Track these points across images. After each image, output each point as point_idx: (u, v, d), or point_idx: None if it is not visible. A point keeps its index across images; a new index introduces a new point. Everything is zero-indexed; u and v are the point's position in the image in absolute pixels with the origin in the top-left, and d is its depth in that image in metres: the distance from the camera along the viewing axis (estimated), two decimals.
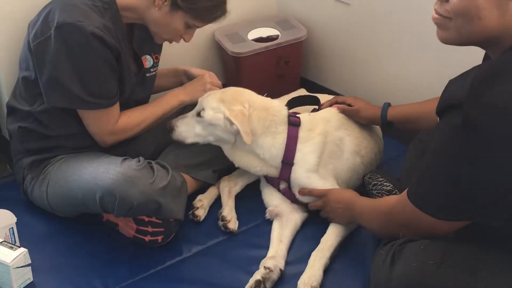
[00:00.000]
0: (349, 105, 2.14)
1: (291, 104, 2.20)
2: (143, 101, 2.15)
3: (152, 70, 2.15)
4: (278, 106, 2.04)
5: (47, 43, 1.84)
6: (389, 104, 2.11)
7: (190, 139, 2.03)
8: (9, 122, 2.08)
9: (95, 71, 1.87)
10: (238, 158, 2.03)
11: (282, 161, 1.98)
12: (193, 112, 2.02)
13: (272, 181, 2.06)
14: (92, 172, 1.88)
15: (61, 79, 1.85)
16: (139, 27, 2.07)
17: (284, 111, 2.03)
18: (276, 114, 2.00)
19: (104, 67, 1.88)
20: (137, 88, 2.08)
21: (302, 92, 2.51)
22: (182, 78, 2.29)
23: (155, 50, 2.15)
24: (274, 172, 2.01)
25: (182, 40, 2.02)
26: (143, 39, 2.08)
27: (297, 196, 2.01)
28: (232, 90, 2.04)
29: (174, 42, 2.05)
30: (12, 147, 2.10)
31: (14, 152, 2.10)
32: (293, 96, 2.31)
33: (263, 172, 2.03)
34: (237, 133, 1.93)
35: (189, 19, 1.94)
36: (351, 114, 2.12)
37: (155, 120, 2.08)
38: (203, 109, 1.97)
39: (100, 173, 1.86)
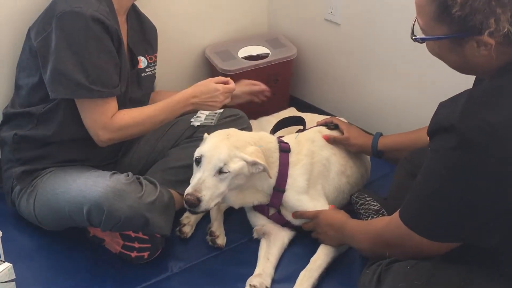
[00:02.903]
0: (340, 129, 2.14)
1: (278, 126, 2.20)
2: (140, 100, 2.12)
3: (147, 70, 2.15)
4: (268, 136, 2.03)
5: (49, 37, 1.86)
6: (380, 134, 2.12)
7: (214, 203, 1.83)
8: (3, 130, 2.07)
9: (96, 57, 1.86)
10: (239, 199, 1.96)
11: (274, 188, 1.96)
12: (209, 172, 1.80)
13: (261, 209, 2.02)
14: (80, 185, 1.88)
15: (64, 69, 1.85)
16: (131, 28, 2.08)
17: (274, 140, 2.01)
18: (268, 144, 1.97)
19: (105, 55, 1.88)
20: (132, 86, 2.08)
21: (292, 111, 2.51)
22: None
23: (149, 51, 2.16)
24: (265, 200, 1.98)
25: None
26: (136, 40, 2.09)
27: (290, 219, 2.00)
28: (233, 134, 1.92)
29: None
30: (3, 156, 2.09)
31: (4, 161, 2.08)
32: (280, 118, 2.32)
33: (256, 203, 1.99)
34: (259, 172, 1.88)
35: None
36: (341, 142, 2.12)
37: (155, 124, 2.03)
38: (224, 165, 1.80)
39: (89, 186, 1.86)
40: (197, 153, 1.86)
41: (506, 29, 1.26)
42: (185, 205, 1.82)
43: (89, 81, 1.86)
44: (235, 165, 1.82)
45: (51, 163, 2.01)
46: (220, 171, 1.81)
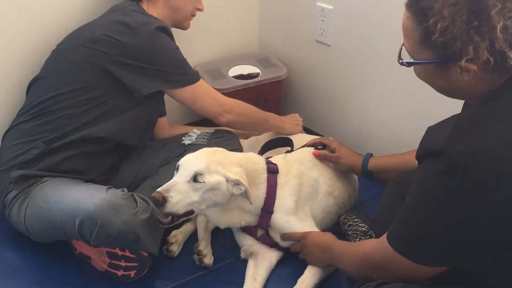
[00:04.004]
0: (329, 149, 2.15)
1: (267, 147, 2.21)
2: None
3: None
4: (256, 157, 2.02)
5: (126, 46, 2.03)
6: (371, 155, 2.13)
7: (183, 209, 1.80)
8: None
9: (178, 54, 2.14)
10: (224, 218, 1.94)
11: (262, 209, 1.96)
12: (183, 178, 1.80)
13: (250, 230, 2.01)
14: (76, 195, 1.88)
15: (155, 68, 2.08)
16: None
17: (262, 161, 2.01)
18: (256, 165, 1.97)
19: (179, 52, 2.15)
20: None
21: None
22: None
23: None
24: (253, 221, 1.97)
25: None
26: None
27: (278, 241, 1.99)
28: (220, 152, 1.92)
29: None
30: (2, 155, 2.08)
31: (3, 161, 2.07)
32: (269, 139, 2.34)
33: (244, 224, 1.97)
34: (241, 195, 1.86)
35: None
36: (331, 160, 2.13)
37: (262, 121, 2.38)
38: (201, 174, 1.79)
39: (84, 197, 1.86)
40: (179, 161, 1.86)
41: (485, 57, 1.27)
42: (151, 202, 1.85)
43: (185, 70, 2.14)
44: (211, 178, 1.80)
45: (50, 172, 2.01)
46: (195, 180, 1.79)
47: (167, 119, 2.53)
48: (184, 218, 1.96)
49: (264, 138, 2.41)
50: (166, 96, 2.26)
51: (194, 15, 2.31)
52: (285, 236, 1.96)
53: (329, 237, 1.87)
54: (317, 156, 2.11)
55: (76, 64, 2.05)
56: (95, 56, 2.03)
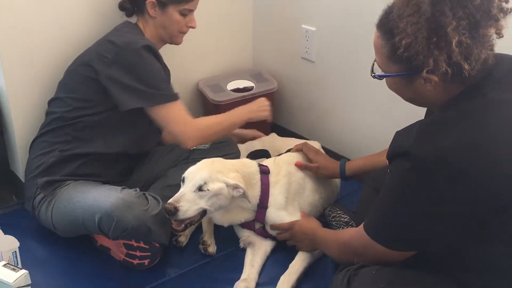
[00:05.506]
0: (309, 158, 2.13)
1: (250, 157, 2.20)
2: (160, 130, 2.19)
3: None
4: (249, 161, 2.01)
5: (113, 65, 1.94)
6: (346, 160, 2.10)
7: (193, 214, 1.80)
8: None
9: (158, 73, 1.97)
10: (227, 218, 1.94)
11: (258, 205, 1.95)
12: (190, 188, 1.80)
13: (248, 225, 1.99)
14: (95, 196, 1.87)
15: (133, 85, 1.93)
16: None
17: (255, 164, 1.99)
18: (250, 169, 1.96)
19: (162, 72, 1.99)
20: None
21: (273, 136, 2.52)
22: (234, 139, 2.32)
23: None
24: (251, 217, 1.96)
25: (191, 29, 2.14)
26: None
27: (270, 231, 1.98)
28: (218, 161, 1.91)
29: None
30: (29, 165, 2.07)
31: (29, 170, 2.07)
32: (260, 144, 2.36)
33: (243, 220, 1.96)
34: (240, 196, 1.86)
35: (179, 7, 2.03)
36: (310, 171, 2.09)
37: (230, 125, 2.11)
38: (204, 183, 1.79)
39: (102, 197, 1.85)
40: (184, 174, 1.85)
41: (444, 68, 1.26)
42: (164, 212, 1.79)
43: (160, 89, 1.95)
44: (214, 186, 1.80)
45: (72, 176, 2.00)
46: (200, 189, 1.79)
47: None
48: (195, 226, 2.01)
49: (258, 143, 2.40)
50: None
51: (184, 32, 2.13)
52: (273, 226, 1.95)
53: (313, 225, 1.87)
54: (299, 166, 2.07)
55: (79, 83, 2.02)
56: (91, 74, 1.98)
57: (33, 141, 2.11)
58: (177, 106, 1.98)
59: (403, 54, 1.29)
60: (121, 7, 2.14)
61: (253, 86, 2.69)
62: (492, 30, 1.29)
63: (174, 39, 2.13)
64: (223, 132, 2.11)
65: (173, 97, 1.97)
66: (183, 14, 2.05)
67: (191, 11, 2.07)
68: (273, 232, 1.97)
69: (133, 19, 2.13)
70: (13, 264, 1.80)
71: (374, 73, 1.43)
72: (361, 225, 1.49)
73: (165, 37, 2.11)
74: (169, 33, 2.09)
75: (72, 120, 2.02)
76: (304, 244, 1.88)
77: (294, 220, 1.93)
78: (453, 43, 1.24)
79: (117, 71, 1.93)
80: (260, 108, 2.19)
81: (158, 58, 2.00)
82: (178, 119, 1.98)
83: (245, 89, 2.67)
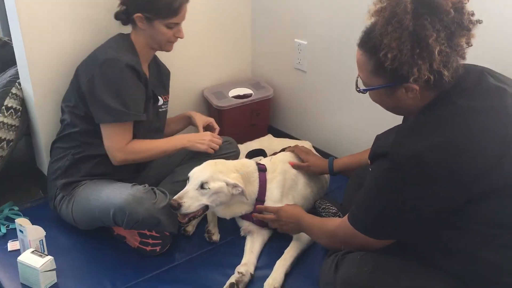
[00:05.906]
0: (301, 159, 2.12)
1: (249, 156, 2.21)
2: (160, 129, 2.16)
3: (163, 106, 2.18)
4: (248, 161, 2.02)
5: (93, 79, 1.88)
6: (333, 158, 2.09)
7: (195, 210, 1.82)
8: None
9: (129, 92, 1.90)
10: (228, 211, 1.95)
11: (256, 199, 1.96)
12: (193, 186, 1.82)
13: (248, 216, 2.00)
14: (108, 193, 1.89)
15: (104, 99, 1.87)
16: (152, 74, 2.11)
17: (253, 163, 2.00)
18: (249, 168, 1.97)
19: (136, 89, 1.92)
20: (154, 118, 2.10)
21: (270, 137, 2.51)
22: (188, 121, 2.30)
23: (164, 93, 2.18)
24: (250, 209, 1.97)
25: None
26: (155, 84, 2.12)
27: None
28: (220, 162, 1.91)
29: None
30: (50, 169, 2.08)
31: (50, 173, 2.08)
32: (257, 144, 2.35)
33: (244, 213, 1.97)
34: (239, 194, 1.88)
35: (164, 21, 1.93)
36: (302, 169, 2.09)
37: (159, 153, 2.03)
38: (206, 182, 1.82)
39: (115, 194, 1.87)
40: (189, 173, 1.88)
41: (426, 76, 1.26)
42: (168, 194, 1.84)
43: (125, 107, 1.89)
44: (215, 184, 1.82)
45: (87, 176, 2.02)
46: (202, 187, 1.82)
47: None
48: (200, 217, 2.02)
49: (257, 144, 2.39)
50: (173, 101, 2.20)
51: (173, 42, 2.01)
52: (261, 208, 1.92)
53: (298, 211, 1.83)
54: (292, 166, 2.08)
55: (75, 95, 1.99)
56: (81, 86, 1.95)
57: (52, 143, 2.12)
58: (121, 127, 1.91)
59: (389, 67, 1.28)
60: (116, 17, 2.05)
61: (251, 93, 2.70)
62: (464, 40, 1.30)
63: (164, 48, 2.04)
64: (152, 156, 2.04)
65: (125, 117, 1.90)
66: (169, 27, 1.95)
67: (177, 24, 1.98)
68: (258, 215, 1.94)
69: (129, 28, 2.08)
70: (40, 251, 1.85)
71: (359, 88, 1.41)
72: (346, 217, 1.49)
73: (155, 46, 2.03)
74: (157, 43, 2.01)
75: (76, 127, 2.02)
76: (288, 227, 1.85)
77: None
78: (435, 52, 1.24)
79: (94, 86, 1.88)
80: (198, 140, 2.07)
81: (139, 75, 1.93)
82: (115, 139, 1.93)
83: (245, 96, 2.67)
